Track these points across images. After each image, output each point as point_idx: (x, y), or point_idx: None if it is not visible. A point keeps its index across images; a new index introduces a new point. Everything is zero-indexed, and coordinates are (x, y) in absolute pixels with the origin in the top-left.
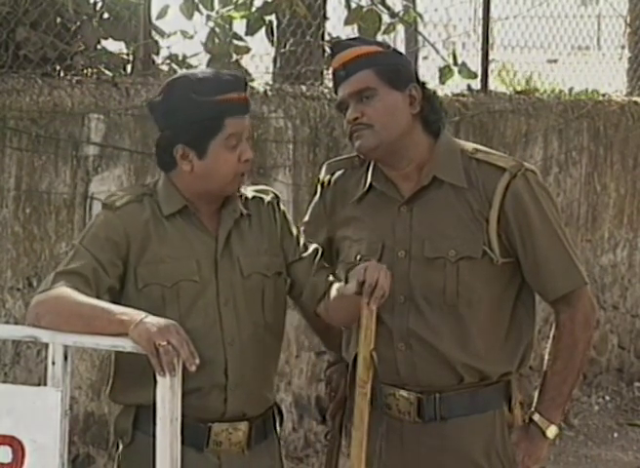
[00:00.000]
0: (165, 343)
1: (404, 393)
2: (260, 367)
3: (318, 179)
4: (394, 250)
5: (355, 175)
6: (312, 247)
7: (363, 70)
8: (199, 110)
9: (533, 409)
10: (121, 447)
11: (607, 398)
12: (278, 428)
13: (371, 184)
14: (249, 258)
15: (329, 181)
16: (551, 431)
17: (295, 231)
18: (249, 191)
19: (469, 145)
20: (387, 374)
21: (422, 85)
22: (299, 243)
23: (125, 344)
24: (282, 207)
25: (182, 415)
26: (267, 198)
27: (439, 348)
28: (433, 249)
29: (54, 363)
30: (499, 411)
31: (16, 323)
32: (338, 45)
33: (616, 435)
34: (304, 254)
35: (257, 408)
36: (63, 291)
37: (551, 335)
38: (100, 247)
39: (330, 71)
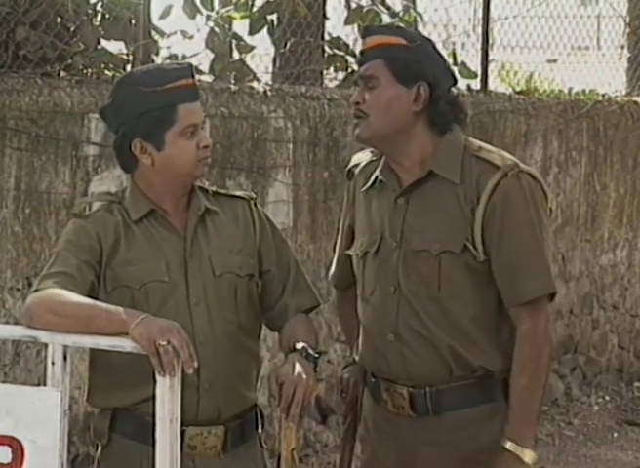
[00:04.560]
0: (165, 343)
1: (397, 388)
2: (236, 366)
3: (346, 167)
4: (388, 240)
5: (375, 165)
6: (292, 261)
7: (376, 59)
8: (149, 101)
9: (504, 435)
10: (99, 448)
11: (607, 398)
12: (260, 430)
13: (377, 176)
14: (220, 258)
15: (352, 171)
16: (528, 456)
17: (276, 238)
18: (222, 191)
19: (476, 143)
20: (381, 368)
21: (438, 84)
22: (278, 252)
23: (125, 344)
24: (261, 208)
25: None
26: (244, 196)
27: (427, 337)
28: (420, 241)
29: (53, 363)
30: (494, 406)
31: (15, 323)
32: (366, 29)
33: (615, 435)
34: (283, 267)
35: (233, 408)
36: (57, 291)
37: (515, 352)
38: (78, 250)
39: (329, 71)
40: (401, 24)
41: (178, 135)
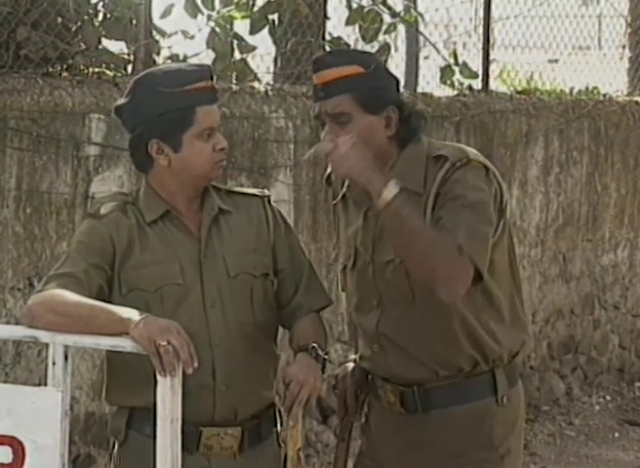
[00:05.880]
0: (165, 343)
1: (389, 386)
2: (252, 366)
3: (323, 175)
4: (363, 254)
5: None
6: (305, 259)
7: (341, 95)
8: (168, 102)
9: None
10: (116, 446)
11: (608, 398)
12: (279, 428)
13: (347, 187)
14: (235, 258)
15: (331, 176)
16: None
17: (290, 237)
18: (236, 189)
19: (437, 145)
20: (373, 369)
21: (402, 103)
22: (292, 250)
23: (125, 344)
24: (275, 207)
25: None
26: (258, 194)
27: (407, 347)
28: (388, 252)
29: (54, 363)
30: (483, 403)
31: (16, 323)
32: (319, 62)
33: (617, 435)
34: (296, 266)
35: (249, 407)
36: (59, 292)
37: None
38: (88, 252)
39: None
40: (402, 24)
41: (195, 137)
